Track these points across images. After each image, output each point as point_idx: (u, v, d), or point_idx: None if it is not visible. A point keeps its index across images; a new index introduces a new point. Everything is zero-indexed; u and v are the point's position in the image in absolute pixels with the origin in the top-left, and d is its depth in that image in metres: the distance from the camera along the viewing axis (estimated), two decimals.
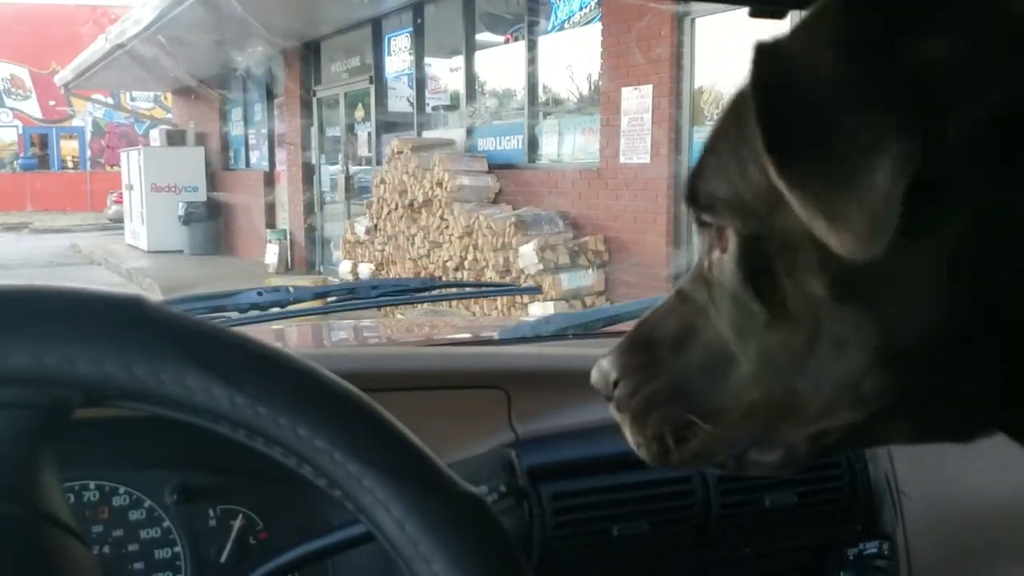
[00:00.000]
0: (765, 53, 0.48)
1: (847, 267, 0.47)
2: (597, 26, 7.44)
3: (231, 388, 0.49)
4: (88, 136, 26.98)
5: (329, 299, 1.25)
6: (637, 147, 6.99)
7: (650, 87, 6.81)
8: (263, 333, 1.78)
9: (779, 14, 0.78)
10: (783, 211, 0.49)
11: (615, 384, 0.60)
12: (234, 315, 1.17)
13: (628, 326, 1.41)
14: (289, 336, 1.81)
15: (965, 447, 1.12)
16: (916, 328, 0.48)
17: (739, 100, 0.52)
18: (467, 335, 1.91)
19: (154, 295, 10.67)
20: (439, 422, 0.87)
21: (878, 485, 1.04)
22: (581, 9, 7.68)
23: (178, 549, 0.95)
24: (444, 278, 8.03)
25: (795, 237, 0.50)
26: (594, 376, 0.62)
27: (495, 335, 1.48)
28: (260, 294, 1.16)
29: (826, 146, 0.45)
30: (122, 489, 0.95)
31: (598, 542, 0.93)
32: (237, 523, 0.96)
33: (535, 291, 1.66)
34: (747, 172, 0.51)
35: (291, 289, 1.21)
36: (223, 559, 0.95)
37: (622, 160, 7.11)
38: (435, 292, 1.39)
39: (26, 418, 0.49)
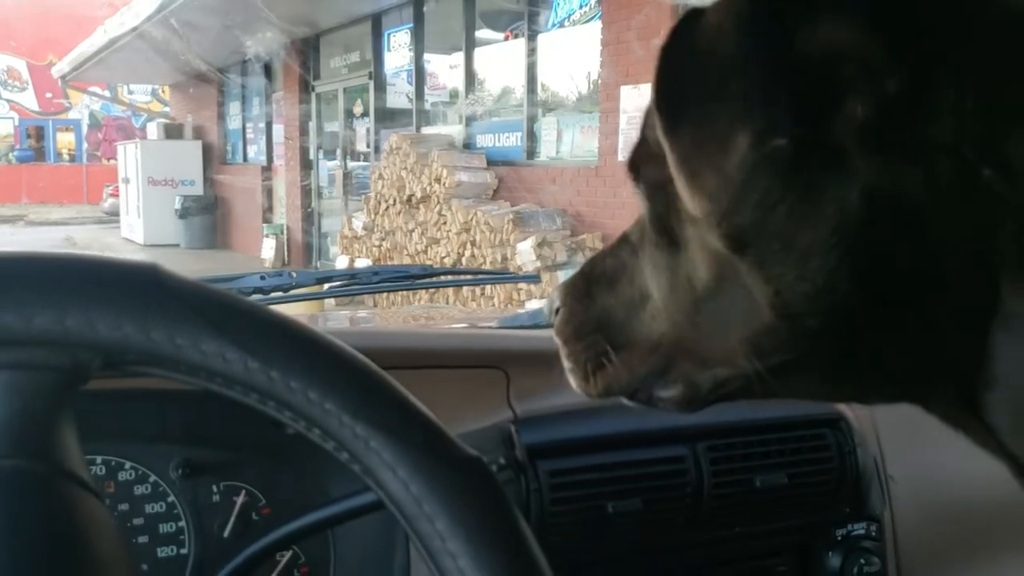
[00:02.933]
0: (685, 18, 0.51)
1: (736, 224, 0.50)
2: (597, 24, 7.46)
3: (245, 353, 0.50)
4: (85, 129, 26.92)
5: (330, 284, 1.27)
6: None
7: (649, 86, 6.82)
8: None
9: None
10: None
11: (556, 311, 0.65)
12: None
13: None
14: None
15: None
16: (807, 291, 0.49)
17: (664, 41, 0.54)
18: (465, 325, 1.93)
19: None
20: (439, 400, 0.88)
21: (866, 468, 1.06)
22: (581, 7, 7.70)
23: (182, 523, 0.97)
24: None
25: None
26: (545, 305, 0.68)
27: (493, 324, 1.50)
28: (263, 278, 1.18)
29: (703, 109, 0.49)
30: (128, 464, 0.96)
31: (593, 518, 0.95)
32: (240, 499, 0.98)
33: (534, 279, 1.68)
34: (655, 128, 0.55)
35: (293, 274, 1.22)
36: (226, 533, 0.97)
37: (621, 158, 7.13)
38: (435, 279, 1.41)
39: (48, 380, 0.50)
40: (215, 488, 0.98)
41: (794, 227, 0.48)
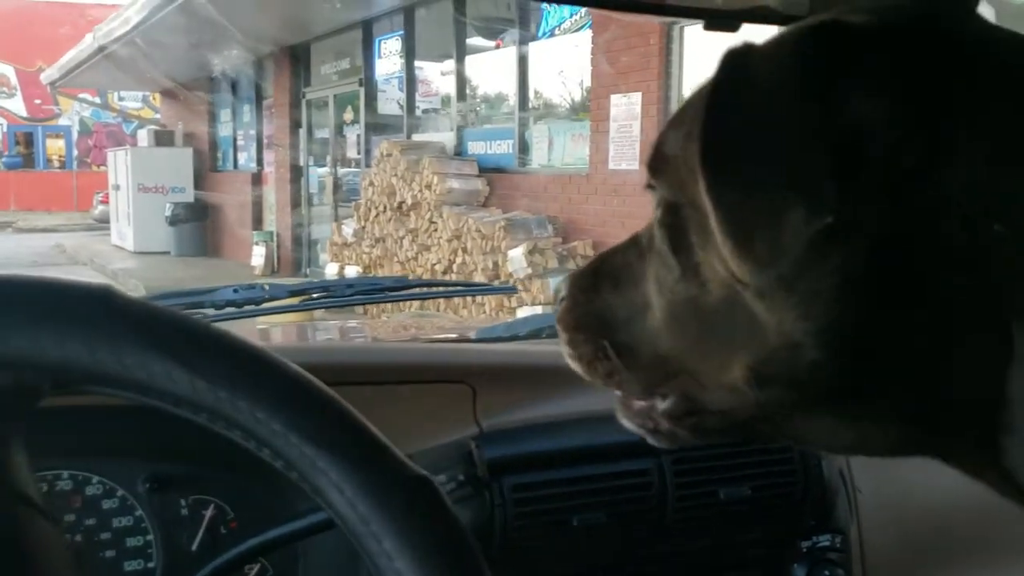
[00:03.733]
0: (729, 67, 0.51)
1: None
2: (587, 33, 7.49)
3: (192, 373, 0.51)
4: (75, 135, 26.84)
5: (303, 297, 1.27)
6: (626, 153, 7.03)
7: (639, 95, 6.86)
8: (249, 333, 1.80)
9: (733, 27, 0.81)
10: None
11: (561, 300, 0.66)
12: (210, 312, 1.19)
13: None
14: (274, 336, 1.82)
15: None
16: (809, 328, 0.50)
17: (708, 90, 0.54)
18: (452, 335, 1.94)
19: (138, 295, 10.60)
20: (404, 415, 0.89)
21: (832, 481, 1.06)
22: (571, 16, 7.72)
23: (150, 537, 0.97)
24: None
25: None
26: (554, 286, 0.69)
27: (472, 336, 1.51)
28: (236, 291, 1.18)
29: (753, 176, 0.49)
30: (95, 478, 0.97)
31: (558, 532, 0.95)
32: (208, 512, 0.98)
33: (511, 291, 1.68)
34: (684, 152, 0.54)
35: (266, 287, 1.23)
36: (194, 547, 0.97)
37: (611, 166, 7.16)
38: (410, 291, 1.41)
39: None
40: (183, 502, 0.98)
41: (800, 275, 0.49)
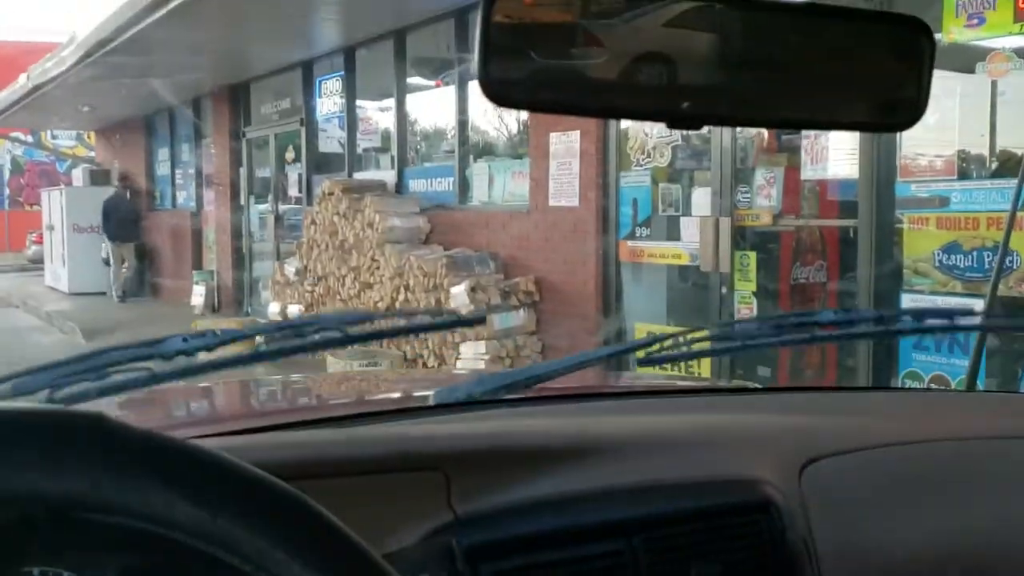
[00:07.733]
0: None
1: None
2: None
3: (196, 503, 0.51)
4: (7, 174, 26.24)
5: (261, 340, 1.18)
6: (566, 191, 7.10)
7: (577, 133, 6.95)
8: (190, 392, 1.74)
9: None
10: None
11: None
12: (161, 367, 1.11)
13: (563, 382, 1.42)
14: (216, 395, 1.77)
15: (884, 506, 1.15)
16: None
17: None
18: (399, 395, 1.90)
19: (75, 338, 10.30)
20: (374, 507, 0.88)
21: (796, 550, 1.09)
22: None
23: None
24: None
25: None
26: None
27: (429, 396, 1.49)
28: (185, 340, 1.09)
29: None
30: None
31: None
32: None
33: (480, 321, 1.61)
34: None
35: (218, 332, 1.14)
36: None
37: (551, 203, 7.22)
38: (388, 327, 1.34)
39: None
40: None
41: None
